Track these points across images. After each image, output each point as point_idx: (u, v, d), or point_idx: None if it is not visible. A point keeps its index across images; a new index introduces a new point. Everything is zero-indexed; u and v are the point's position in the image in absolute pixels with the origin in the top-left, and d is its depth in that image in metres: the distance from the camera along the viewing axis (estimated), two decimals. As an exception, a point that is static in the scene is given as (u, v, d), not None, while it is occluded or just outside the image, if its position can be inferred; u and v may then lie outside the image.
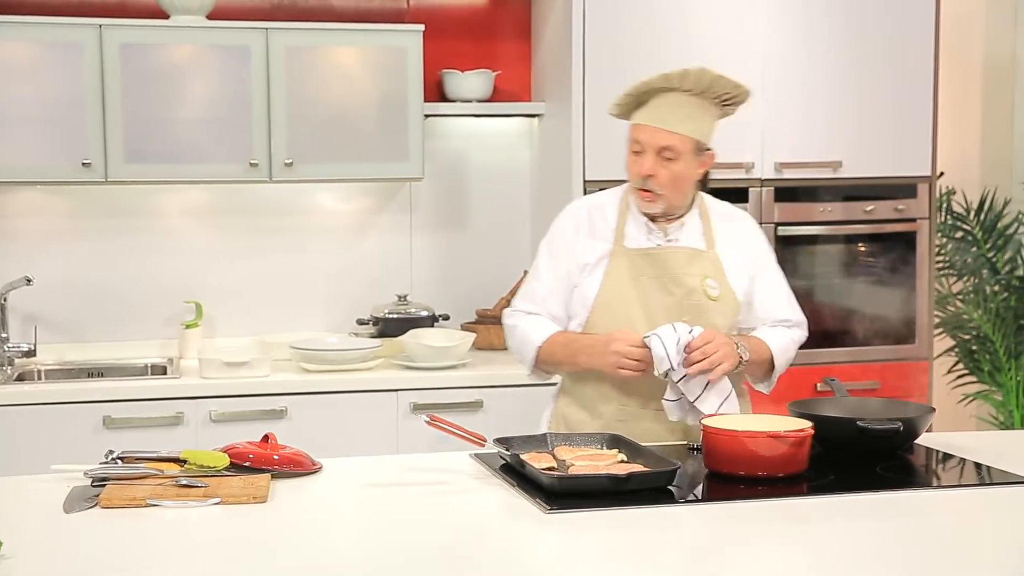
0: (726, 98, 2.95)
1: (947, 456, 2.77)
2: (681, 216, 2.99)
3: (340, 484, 2.54)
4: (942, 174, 4.78)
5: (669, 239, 2.97)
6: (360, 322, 4.48)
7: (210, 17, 4.21)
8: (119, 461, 2.51)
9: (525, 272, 3.35)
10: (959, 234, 5.08)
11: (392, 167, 4.30)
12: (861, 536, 2.19)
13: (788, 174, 4.32)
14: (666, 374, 2.78)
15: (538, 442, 2.68)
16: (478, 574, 2.01)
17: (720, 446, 2.54)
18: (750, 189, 4.29)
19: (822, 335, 4.37)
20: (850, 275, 4.45)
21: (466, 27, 4.63)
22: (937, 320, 4.91)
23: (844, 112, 4.35)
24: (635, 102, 2.93)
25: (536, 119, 4.63)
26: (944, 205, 5.05)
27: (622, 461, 2.57)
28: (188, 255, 4.48)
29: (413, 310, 4.46)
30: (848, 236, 4.42)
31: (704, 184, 3.05)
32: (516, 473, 2.51)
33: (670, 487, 2.43)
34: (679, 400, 2.83)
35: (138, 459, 2.53)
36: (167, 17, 4.19)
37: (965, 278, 5.08)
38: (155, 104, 4.10)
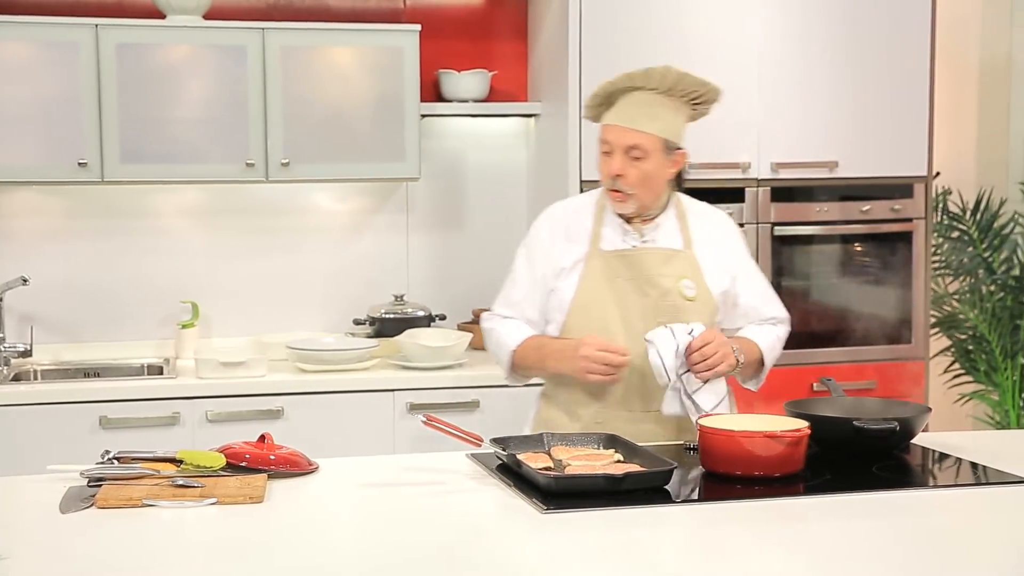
0: (695, 96, 2.94)
1: (943, 456, 2.77)
2: (656, 217, 2.99)
3: (337, 484, 2.54)
4: (938, 174, 4.79)
5: (645, 240, 2.97)
6: (356, 322, 4.48)
7: (206, 17, 4.21)
8: (115, 461, 2.51)
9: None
10: (955, 234, 5.08)
11: (388, 167, 4.30)
12: (857, 536, 2.19)
13: (784, 174, 4.32)
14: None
15: (535, 442, 2.68)
16: (475, 574, 2.01)
17: (716, 446, 2.54)
18: (746, 189, 4.29)
19: (818, 335, 4.38)
20: (846, 275, 4.46)
21: (462, 27, 4.63)
22: (933, 320, 4.91)
23: (840, 112, 4.35)
24: (605, 103, 2.94)
25: (533, 119, 4.63)
26: (940, 205, 5.05)
27: (618, 461, 2.57)
28: (184, 255, 4.48)
29: (409, 310, 4.46)
30: (844, 236, 4.42)
31: (679, 183, 3.04)
32: (513, 473, 2.51)
33: (666, 487, 2.43)
34: (677, 392, 2.83)
35: (134, 459, 2.53)
36: (163, 17, 4.19)
37: (961, 278, 5.08)
38: (151, 104, 4.10)
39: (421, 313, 4.46)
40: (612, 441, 2.67)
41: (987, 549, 2.15)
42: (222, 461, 2.54)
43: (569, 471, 2.49)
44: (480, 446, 2.62)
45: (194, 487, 2.39)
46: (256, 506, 2.33)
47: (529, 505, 2.33)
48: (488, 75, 4.52)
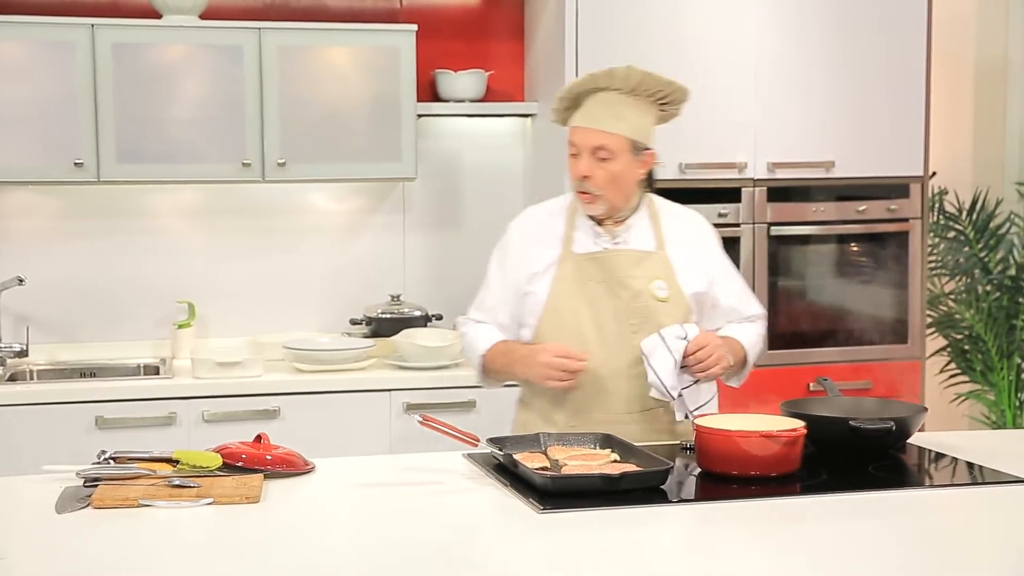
0: (661, 96, 2.93)
1: (939, 455, 2.77)
2: (627, 218, 2.98)
3: (333, 484, 2.54)
4: (934, 174, 4.79)
5: (616, 242, 2.96)
6: (353, 322, 4.48)
7: (203, 17, 4.21)
8: (111, 461, 2.51)
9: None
10: (951, 234, 5.09)
11: (385, 167, 4.30)
12: (853, 535, 2.19)
13: (781, 174, 4.32)
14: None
15: (531, 442, 2.68)
16: (471, 574, 2.01)
17: (713, 446, 2.54)
18: (743, 189, 4.29)
19: (815, 335, 4.38)
20: (842, 275, 4.46)
21: (459, 27, 4.63)
22: (929, 320, 4.92)
23: (837, 112, 4.35)
24: (571, 106, 2.94)
25: (529, 119, 4.63)
26: (936, 205, 5.06)
27: (615, 461, 2.57)
28: (181, 255, 4.48)
29: (406, 310, 4.46)
30: (841, 236, 4.43)
31: (650, 184, 3.04)
32: (509, 473, 2.51)
33: (663, 487, 2.43)
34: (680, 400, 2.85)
35: (130, 459, 2.53)
36: (160, 17, 4.19)
37: (957, 278, 5.08)
38: (148, 104, 4.10)
39: (418, 313, 4.46)
40: (608, 441, 2.67)
41: (983, 549, 2.15)
42: (218, 461, 2.53)
43: (565, 471, 2.49)
44: (476, 446, 2.62)
45: (190, 487, 2.39)
46: (252, 506, 2.33)
47: (526, 505, 2.33)
48: (484, 75, 4.52)
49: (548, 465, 2.54)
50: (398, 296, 4.52)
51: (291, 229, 4.55)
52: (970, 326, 5.01)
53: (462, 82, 4.48)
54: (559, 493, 2.36)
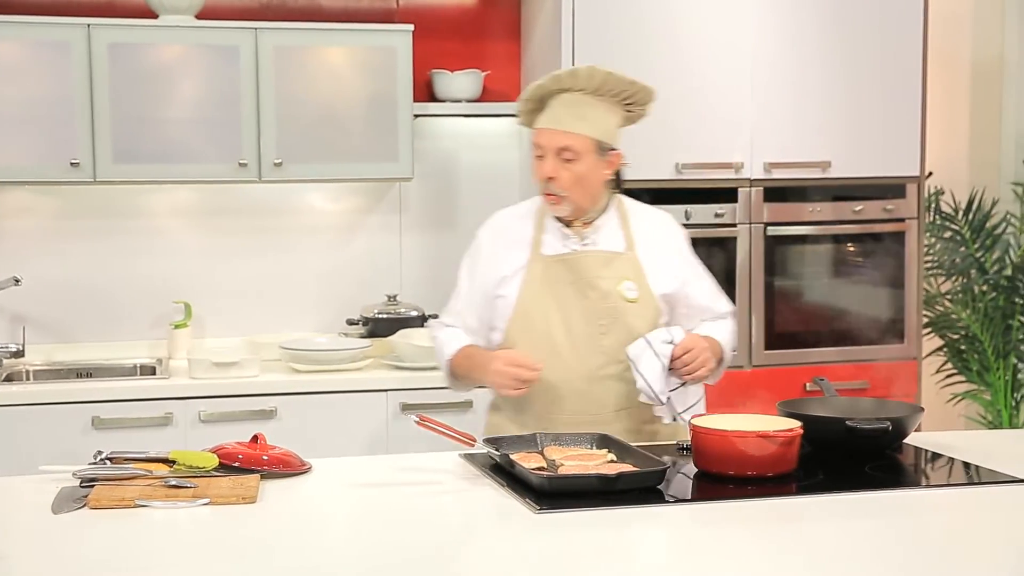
0: (625, 96, 2.92)
1: (936, 455, 2.78)
2: (596, 219, 2.97)
3: (330, 484, 2.54)
4: (930, 174, 4.79)
5: (585, 243, 2.95)
6: (350, 322, 4.48)
7: (199, 17, 4.20)
8: (108, 462, 2.51)
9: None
10: (947, 234, 5.09)
11: (381, 167, 4.30)
12: (850, 535, 2.19)
13: (777, 174, 4.33)
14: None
15: (528, 442, 2.68)
16: (468, 574, 2.01)
17: (709, 446, 2.54)
18: (739, 189, 4.30)
19: (811, 335, 4.38)
20: (839, 275, 4.46)
21: (455, 27, 4.63)
22: (926, 320, 4.92)
23: (833, 112, 4.36)
24: (536, 108, 2.95)
25: (526, 119, 4.62)
26: (932, 205, 5.06)
27: (611, 461, 2.57)
28: (177, 255, 4.48)
29: (403, 310, 4.46)
30: (837, 236, 4.43)
31: (618, 185, 3.03)
32: (506, 473, 2.51)
33: (659, 487, 2.43)
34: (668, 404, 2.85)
35: (127, 460, 2.53)
36: (155, 17, 4.19)
37: (953, 278, 5.09)
38: (144, 104, 4.09)
39: (414, 313, 4.46)
40: (605, 441, 2.68)
41: (980, 548, 2.15)
42: (215, 461, 2.53)
43: (562, 471, 2.49)
44: (473, 446, 2.62)
45: (187, 487, 2.39)
46: (249, 506, 2.33)
47: (522, 505, 2.33)
48: (481, 75, 4.52)
49: (545, 465, 2.54)
50: (395, 296, 4.52)
51: (288, 229, 4.55)
52: (966, 326, 5.01)
53: (458, 82, 4.48)
54: (556, 493, 2.36)
